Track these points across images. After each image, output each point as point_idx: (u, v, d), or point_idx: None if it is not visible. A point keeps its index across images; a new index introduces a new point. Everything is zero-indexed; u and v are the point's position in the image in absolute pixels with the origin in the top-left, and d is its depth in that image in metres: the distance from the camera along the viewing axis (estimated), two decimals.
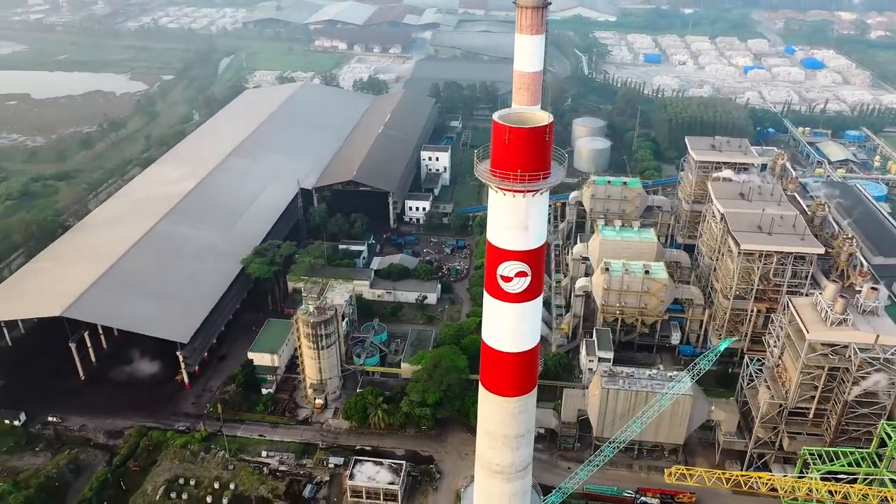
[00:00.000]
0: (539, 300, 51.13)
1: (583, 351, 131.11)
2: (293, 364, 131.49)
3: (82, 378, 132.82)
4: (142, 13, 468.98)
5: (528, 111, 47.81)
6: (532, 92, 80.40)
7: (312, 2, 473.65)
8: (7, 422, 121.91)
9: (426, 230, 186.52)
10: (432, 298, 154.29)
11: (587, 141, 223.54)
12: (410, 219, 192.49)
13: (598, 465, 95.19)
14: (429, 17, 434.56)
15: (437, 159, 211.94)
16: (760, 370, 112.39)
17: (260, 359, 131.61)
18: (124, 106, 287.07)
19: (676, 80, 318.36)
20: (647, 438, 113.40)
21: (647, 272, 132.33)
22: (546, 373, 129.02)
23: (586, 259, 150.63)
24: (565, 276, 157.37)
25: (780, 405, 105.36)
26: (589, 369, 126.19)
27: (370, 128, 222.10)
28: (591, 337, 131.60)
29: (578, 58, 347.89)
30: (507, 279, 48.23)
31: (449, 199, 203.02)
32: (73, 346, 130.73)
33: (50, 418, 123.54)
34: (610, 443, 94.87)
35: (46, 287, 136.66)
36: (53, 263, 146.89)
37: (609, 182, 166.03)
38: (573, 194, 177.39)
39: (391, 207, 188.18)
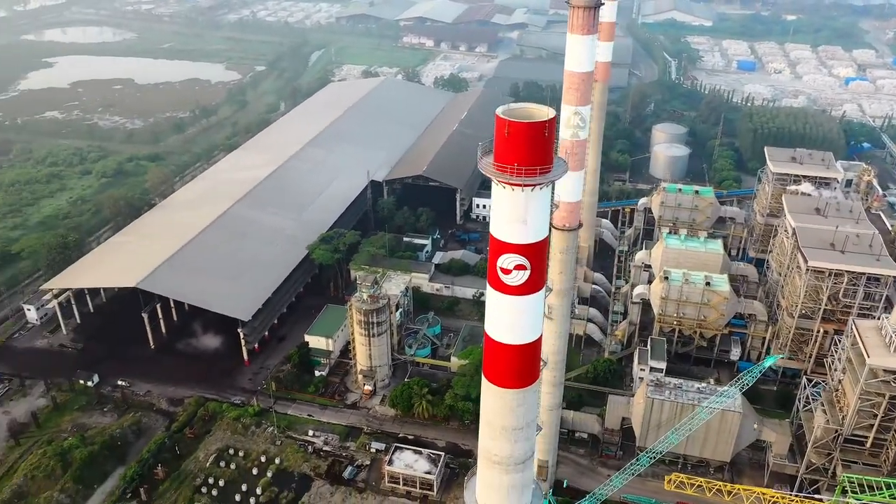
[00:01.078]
0: (539, 295, 51.33)
1: (636, 359, 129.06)
2: (347, 350, 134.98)
3: (152, 347, 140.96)
4: (242, 6, 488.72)
5: (533, 107, 48.34)
6: (582, 92, 79.81)
7: None
8: (82, 382, 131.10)
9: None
10: None
11: (664, 147, 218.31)
12: (477, 216, 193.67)
13: (633, 474, 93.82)
14: (518, 17, 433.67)
15: None
16: (818, 393, 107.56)
17: (315, 342, 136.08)
18: (217, 94, 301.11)
19: (770, 89, 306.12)
20: (692, 453, 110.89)
21: (707, 283, 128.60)
22: (595, 378, 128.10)
23: (649, 267, 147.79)
24: (626, 283, 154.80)
25: (836, 431, 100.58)
26: (640, 378, 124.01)
27: (445, 124, 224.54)
28: (646, 346, 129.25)
29: (667, 62, 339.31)
30: (507, 271, 49.02)
31: None
32: (145, 316, 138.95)
33: (119, 382, 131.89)
34: (647, 452, 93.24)
35: (126, 260, 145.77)
36: (135, 238, 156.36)
37: (680, 190, 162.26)
38: (642, 200, 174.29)
39: (458, 204, 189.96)
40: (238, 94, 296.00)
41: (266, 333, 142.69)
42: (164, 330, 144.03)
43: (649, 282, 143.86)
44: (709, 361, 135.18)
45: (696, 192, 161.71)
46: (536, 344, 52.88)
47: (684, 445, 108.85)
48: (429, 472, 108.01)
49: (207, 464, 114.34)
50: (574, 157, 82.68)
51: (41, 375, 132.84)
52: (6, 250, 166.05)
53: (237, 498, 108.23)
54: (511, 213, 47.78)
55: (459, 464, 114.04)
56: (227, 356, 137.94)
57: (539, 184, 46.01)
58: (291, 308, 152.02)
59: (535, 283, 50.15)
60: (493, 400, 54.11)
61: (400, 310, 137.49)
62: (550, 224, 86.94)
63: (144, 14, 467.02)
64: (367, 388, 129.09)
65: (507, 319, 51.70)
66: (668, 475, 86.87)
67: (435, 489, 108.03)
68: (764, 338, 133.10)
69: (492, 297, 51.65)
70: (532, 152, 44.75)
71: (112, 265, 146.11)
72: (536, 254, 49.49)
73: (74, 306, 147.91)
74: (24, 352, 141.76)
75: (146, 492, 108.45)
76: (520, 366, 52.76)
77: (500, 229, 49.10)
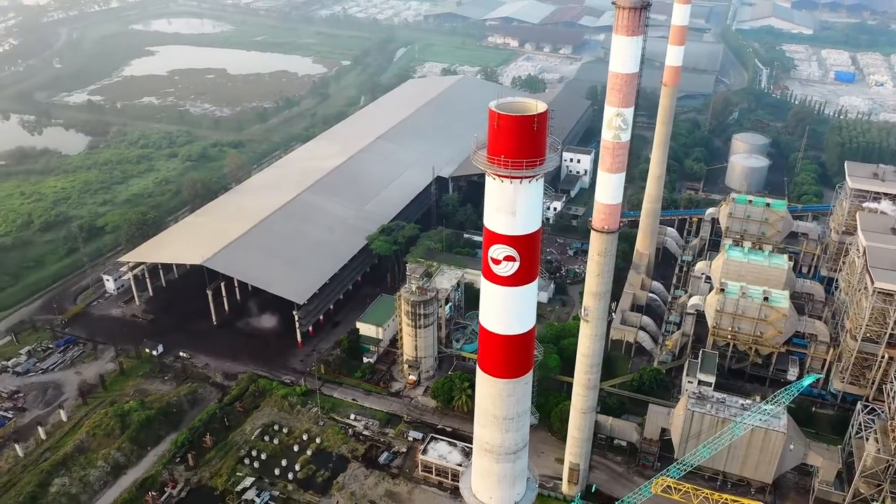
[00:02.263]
0: (529, 288, 51.74)
1: (685, 371, 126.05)
2: (397, 339, 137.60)
3: (214, 323, 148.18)
4: (335, 2, 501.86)
5: (529, 101, 48.89)
6: (625, 94, 78.79)
7: None
8: (148, 351, 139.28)
9: (554, 230, 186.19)
10: (543, 297, 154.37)
11: (742, 157, 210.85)
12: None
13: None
14: (606, 20, 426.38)
15: (579, 161, 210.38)
16: (874, 421, 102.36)
17: (366, 329, 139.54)
18: (302, 86, 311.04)
19: (867, 103, 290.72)
20: (732, 471, 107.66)
21: (766, 299, 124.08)
22: (640, 387, 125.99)
23: (709, 279, 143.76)
24: (686, 293, 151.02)
25: (888, 462, 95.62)
26: (687, 391, 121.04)
27: None
28: (697, 358, 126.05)
29: (758, 70, 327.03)
30: (497, 262, 49.82)
31: (585, 203, 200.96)
32: (209, 293, 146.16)
33: (181, 354, 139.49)
34: (676, 464, 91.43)
35: (197, 239, 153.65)
36: (208, 219, 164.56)
37: (750, 201, 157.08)
38: (710, 210, 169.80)
39: None
40: (321, 87, 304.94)
41: (321, 318, 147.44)
42: (226, 307, 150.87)
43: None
44: (764, 380, 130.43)
45: (768, 204, 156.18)
46: (527, 336, 53.28)
47: (724, 462, 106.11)
48: (460, 464, 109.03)
49: (252, 437, 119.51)
50: (615, 159, 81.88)
51: (112, 342, 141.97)
52: (93, 224, 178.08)
53: (276, 472, 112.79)
54: (500, 204, 48.62)
55: None
56: (282, 337, 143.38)
57: (526, 176, 46.57)
58: (348, 295, 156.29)
59: (524, 275, 50.69)
60: (485, 388, 54.99)
61: (450, 304, 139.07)
62: (591, 227, 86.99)
63: (243, 7, 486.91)
64: (412, 377, 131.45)
65: (498, 309, 52.54)
66: (657, 478, 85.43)
67: None
68: (825, 360, 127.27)
69: (484, 286, 52.64)
70: (520, 145, 45.41)
71: (183, 243, 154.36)
72: (526, 246, 50.02)
73: (148, 280, 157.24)
74: (99, 319, 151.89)
75: (193, 458, 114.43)
76: (509, 356, 53.41)
77: (491, 220, 50.10)
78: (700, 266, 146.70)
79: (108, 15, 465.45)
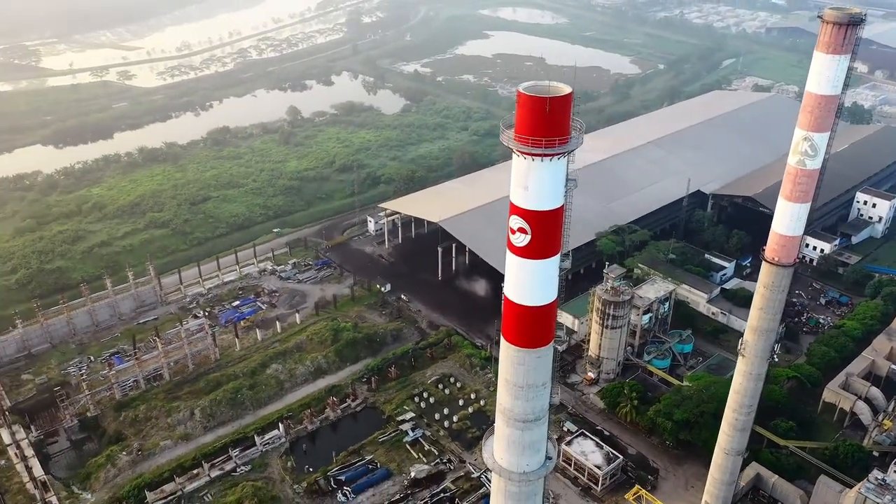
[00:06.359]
0: (543, 263, 52.65)
1: None
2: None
3: (439, 278, 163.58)
4: (677, 5, 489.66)
5: (558, 85, 49.68)
6: (816, 117, 71.31)
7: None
8: (378, 286, 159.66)
9: (814, 273, 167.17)
10: None
11: None
12: (804, 256, 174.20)
13: None
14: None
15: (874, 206, 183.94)
16: None
17: (563, 318, 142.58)
18: (608, 83, 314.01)
19: None
20: None
21: None
22: (832, 458, 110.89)
23: None
24: None
25: None
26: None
27: None
28: None
29: None
30: (513, 231, 52.01)
31: (869, 253, 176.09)
32: (439, 250, 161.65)
33: (402, 296, 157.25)
34: None
35: (444, 201, 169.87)
36: (461, 187, 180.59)
37: None
38: None
39: None
40: (626, 86, 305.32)
41: None
42: (453, 267, 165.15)
43: None
44: None
45: None
46: (539, 311, 54.26)
47: None
48: (598, 467, 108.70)
49: (429, 381, 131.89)
50: (796, 187, 74.99)
51: (354, 272, 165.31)
52: (376, 174, 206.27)
53: (436, 416, 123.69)
54: (516, 177, 51.18)
55: (638, 476, 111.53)
56: (489, 305, 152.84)
57: (534, 154, 48.16)
58: (564, 283, 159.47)
59: (535, 249, 52.29)
60: (503, 351, 57.59)
61: (650, 314, 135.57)
62: (763, 256, 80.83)
63: (583, 2, 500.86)
64: (591, 374, 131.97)
65: (511, 277, 55.00)
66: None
67: (600, 485, 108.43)
68: None
69: (507, 255, 55.64)
70: (533, 124, 47.21)
71: (432, 202, 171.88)
72: (536, 221, 51.55)
73: (400, 229, 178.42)
74: (354, 252, 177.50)
75: (376, 382, 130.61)
76: (519, 324, 55.10)
77: (512, 191, 53.08)
78: None
79: None
